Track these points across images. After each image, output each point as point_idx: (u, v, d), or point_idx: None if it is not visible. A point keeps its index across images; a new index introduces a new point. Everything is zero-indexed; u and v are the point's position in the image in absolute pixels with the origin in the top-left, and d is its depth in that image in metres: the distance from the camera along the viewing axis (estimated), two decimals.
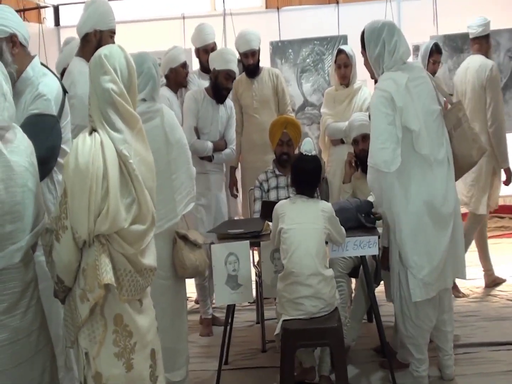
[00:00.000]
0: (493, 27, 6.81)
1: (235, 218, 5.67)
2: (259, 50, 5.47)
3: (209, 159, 5.02)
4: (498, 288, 5.58)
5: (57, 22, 7.77)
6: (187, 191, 3.54)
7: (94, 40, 3.72)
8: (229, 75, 4.97)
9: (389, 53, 3.72)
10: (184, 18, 6.95)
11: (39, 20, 7.80)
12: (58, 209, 2.43)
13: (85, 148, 2.42)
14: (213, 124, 5.05)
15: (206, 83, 5.28)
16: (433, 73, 5.66)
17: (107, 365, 2.48)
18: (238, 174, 5.67)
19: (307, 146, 3.80)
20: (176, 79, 5.29)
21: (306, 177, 3.69)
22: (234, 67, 5.01)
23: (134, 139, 2.53)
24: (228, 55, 5.01)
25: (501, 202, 7.59)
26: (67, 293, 2.52)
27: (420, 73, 3.86)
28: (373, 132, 3.73)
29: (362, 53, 3.88)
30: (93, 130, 2.50)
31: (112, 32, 3.80)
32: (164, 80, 5.23)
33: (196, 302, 5.54)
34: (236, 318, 5.14)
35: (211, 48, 5.42)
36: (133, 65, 2.61)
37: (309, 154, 3.76)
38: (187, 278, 3.53)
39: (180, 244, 3.39)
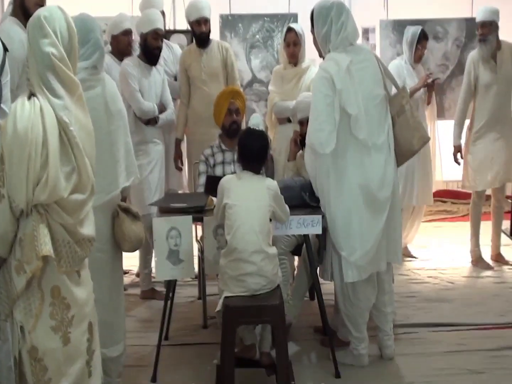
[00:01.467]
0: (441, 15, 6.93)
1: (179, 192, 5.61)
2: (209, 21, 5.39)
3: (155, 122, 4.99)
4: (439, 270, 5.68)
5: None
6: (127, 164, 3.42)
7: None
8: (157, 34, 4.94)
9: (336, 33, 3.71)
10: None
11: None
12: None
13: (24, 114, 2.32)
14: (151, 88, 5.01)
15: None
16: (419, 59, 5.69)
17: (43, 339, 2.42)
18: (183, 146, 5.59)
19: (255, 120, 3.75)
20: (118, 46, 5.20)
21: (253, 152, 3.63)
22: (160, 25, 4.97)
23: (74, 105, 2.44)
24: (151, 15, 4.97)
25: (443, 186, 7.75)
26: (1, 264, 2.42)
27: (367, 55, 3.84)
28: (312, 112, 3.72)
29: (311, 31, 3.85)
30: (31, 94, 2.39)
31: None
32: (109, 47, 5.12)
33: (137, 275, 5.47)
34: (178, 293, 5.09)
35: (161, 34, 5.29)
36: (74, 28, 2.52)
37: (257, 129, 3.70)
38: (131, 251, 3.42)
39: (122, 217, 3.30)
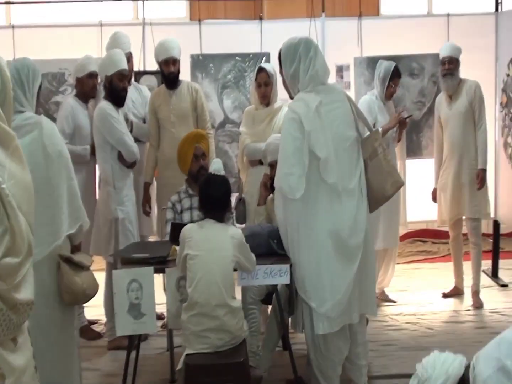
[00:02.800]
0: (417, 51, 6.88)
1: (148, 239, 5.45)
2: (179, 61, 5.29)
3: (134, 164, 4.93)
4: (418, 316, 5.50)
5: None
6: (71, 210, 3.25)
7: None
8: (122, 75, 4.82)
9: (304, 70, 3.60)
10: (102, 25, 6.66)
11: None
12: None
13: None
14: (127, 128, 4.94)
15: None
16: (391, 96, 5.61)
17: None
18: (152, 190, 5.44)
19: (216, 165, 3.62)
20: (83, 89, 5.10)
21: (215, 199, 3.49)
22: (125, 65, 4.85)
23: (8, 159, 2.26)
24: (115, 55, 4.85)
25: (423, 226, 7.63)
26: None
27: (338, 96, 3.72)
28: (281, 155, 3.60)
29: (280, 72, 3.75)
30: None
31: None
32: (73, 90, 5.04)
33: (105, 325, 5.26)
34: (147, 344, 4.94)
35: (127, 58, 5.18)
36: (7, 75, 2.35)
37: (218, 174, 3.57)
38: (73, 304, 3.25)
39: (64, 268, 3.13)
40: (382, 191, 3.76)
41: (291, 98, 3.80)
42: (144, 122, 5.46)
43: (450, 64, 5.54)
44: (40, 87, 3.37)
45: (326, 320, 3.55)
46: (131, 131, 5.16)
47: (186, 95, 5.32)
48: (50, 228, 3.13)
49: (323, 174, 3.53)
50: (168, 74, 5.25)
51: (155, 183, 5.47)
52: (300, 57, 3.59)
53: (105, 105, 4.80)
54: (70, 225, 3.25)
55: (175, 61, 5.23)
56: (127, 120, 5.16)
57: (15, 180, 2.25)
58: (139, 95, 5.54)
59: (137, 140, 5.23)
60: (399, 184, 3.86)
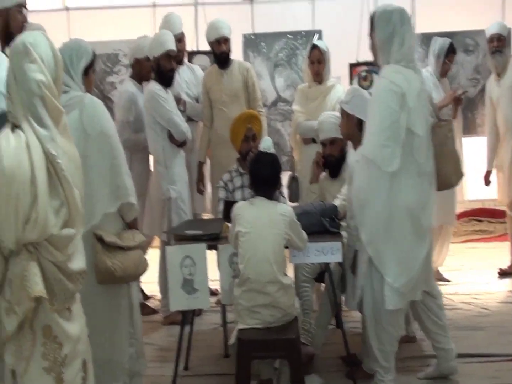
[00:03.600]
0: (472, 27, 6.72)
1: (202, 217, 5.49)
2: (229, 40, 5.28)
3: (185, 143, 4.96)
4: (473, 295, 5.42)
5: None
6: (110, 189, 3.24)
7: (0, 19, 3.36)
8: (169, 55, 4.83)
9: (399, 44, 3.49)
10: (155, 6, 6.72)
11: None
12: None
13: (9, 149, 2.23)
14: (176, 109, 4.94)
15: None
16: (446, 73, 5.55)
17: (36, 381, 2.30)
18: (206, 169, 5.49)
19: (266, 143, 3.63)
20: (140, 71, 5.14)
21: (265, 177, 3.49)
22: (172, 46, 4.85)
23: (60, 135, 2.34)
24: (161, 36, 4.86)
25: (479, 205, 7.50)
26: None
27: (423, 78, 3.70)
28: (374, 125, 3.50)
29: (370, 35, 3.66)
30: (14, 126, 2.29)
31: (20, 6, 3.41)
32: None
33: (160, 301, 5.36)
34: (202, 320, 5.02)
35: (179, 38, 5.23)
36: (59, 55, 2.43)
37: (267, 152, 3.57)
38: (102, 283, 3.22)
39: (96, 247, 3.14)
40: (448, 180, 3.75)
41: (375, 64, 3.73)
42: (198, 101, 5.48)
43: (499, 42, 5.53)
44: (91, 65, 3.35)
45: (397, 295, 3.53)
46: (184, 110, 5.21)
47: (237, 75, 5.32)
48: (85, 206, 3.14)
49: (416, 153, 3.49)
50: (220, 53, 5.26)
51: (208, 162, 5.50)
52: (394, 27, 3.47)
53: (153, 86, 4.84)
54: (108, 204, 3.24)
55: (226, 40, 5.23)
56: (179, 100, 5.20)
57: (68, 156, 2.33)
58: (192, 74, 5.56)
59: (190, 119, 5.29)
60: (462, 175, 3.87)
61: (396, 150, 3.43)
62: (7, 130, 2.28)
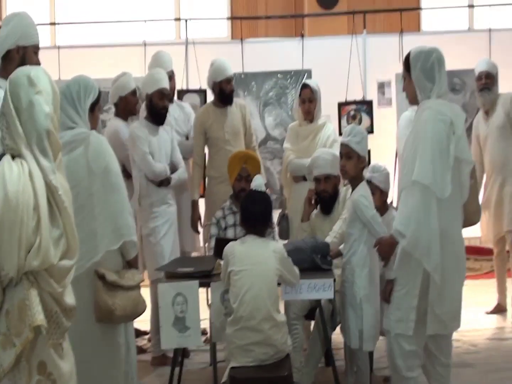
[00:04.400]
0: (459, 67, 6.84)
1: (192, 254, 5.48)
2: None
3: (168, 182, 4.86)
4: (461, 332, 5.41)
5: None
6: (114, 226, 3.23)
7: (17, 57, 3.47)
8: (163, 94, 4.85)
9: (439, 79, 3.55)
10: (145, 45, 6.79)
11: None
12: None
13: (13, 176, 2.23)
14: (161, 148, 4.91)
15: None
16: None
17: None
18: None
19: (257, 181, 3.66)
20: (126, 107, 5.16)
21: (256, 215, 3.52)
22: (165, 84, 4.89)
23: (56, 169, 2.35)
24: (156, 74, 4.90)
25: (466, 243, 7.50)
26: None
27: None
28: (426, 153, 3.46)
29: (404, 75, 3.68)
30: (13, 156, 2.29)
31: (36, 48, 3.54)
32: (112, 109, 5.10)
33: (149, 340, 5.31)
34: (190, 359, 4.96)
35: (169, 76, 5.25)
36: (57, 90, 2.44)
37: (258, 190, 3.60)
38: (100, 321, 3.19)
39: (97, 285, 3.13)
40: (472, 217, 3.77)
41: (412, 103, 3.75)
42: (187, 138, 5.52)
43: (487, 79, 5.59)
44: (97, 102, 3.37)
45: (437, 322, 3.53)
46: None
47: (237, 113, 5.39)
48: (89, 243, 3.13)
49: (465, 180, 3.54)
50: (229, 92, 5.31)
51: (201, 199, 5.49)
52: (433, 64, 3.54)
53: (135, 124, 4.89)
54: (112, 241, 3.23)
55: (231, 79, 5.33)
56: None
57: (64, 190, 2.34)
58: (182, 112, 5.59)
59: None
60: (480, 213, 3.92)
61: (448, 177, 3.45)
62: (8, 158, 2.28)
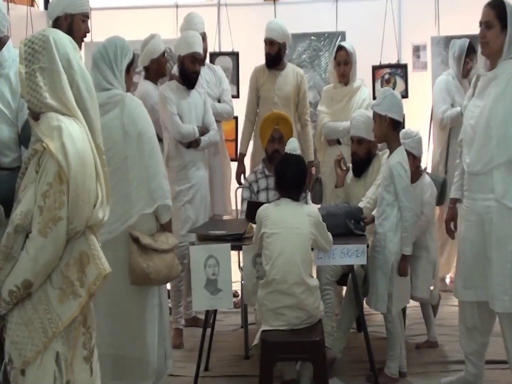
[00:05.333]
0: None
1: (223, 218, 5.46)
2: (282, 45, 5.29)
3: (196, 144, 4.80)
4: None
5: (46, 6, 7.54)
6: (148, 190, 3.24)
7: (65, 24, 3.53)
8: (195, 58, 4.78)
9: None
10: (177, 6, 6.71)
11: (29, 3, 7.56)
12: (44, 199, 2.18)
13: (77, 133, 2.25)
14: (191, 110, 4.85)
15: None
16: (468, 73, 5.45)
17: (81, 371, 2.30)
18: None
19: (292, 145, 3.61)
20: (158, 69, 5.09)
21: (291, 179, 3.48)
22: (199, 48, 4.83)
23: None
24: (190, 37, 4.82)
25: None
26: (18, 302, 2.26)
27: None
28: None
29: (492, 23, 3.33)
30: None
31: (84, 16, 3.62)
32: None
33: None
34: (221, 322, 4.98)
35: (201, 38, 5.21)
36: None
37: (293, 153, 3.56)
38: (136, 284, 3.22)
39: (132, 248, 3.14)
40: None
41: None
42: (219, 101, 5.48)
43: None
44: (131, 63, 3.34)
45: None
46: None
47: (291, 78, 5.31)
48: (123, 206, 3.15)
49: None
50: (265, 53, 5.30)
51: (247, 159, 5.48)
52: None
53: (165, 86, 4.84)
54: (146, 205, 3.23)
55: (271, 42, 5.24)
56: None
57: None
58: (213, 75, 5.53)
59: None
60: None
61: None
62: (67, 118, 2.27)
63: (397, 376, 3.89)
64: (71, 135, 2.22)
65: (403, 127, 6.17)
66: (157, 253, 3.20)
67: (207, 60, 5.66)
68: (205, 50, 5.40)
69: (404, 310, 4.19)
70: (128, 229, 3.17)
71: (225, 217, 5.65)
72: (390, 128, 3.87)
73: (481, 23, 3.41)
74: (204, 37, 5.32)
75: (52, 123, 2.23)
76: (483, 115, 3.39)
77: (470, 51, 5.37)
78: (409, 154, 4.08)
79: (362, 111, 4.54)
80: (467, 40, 5.41)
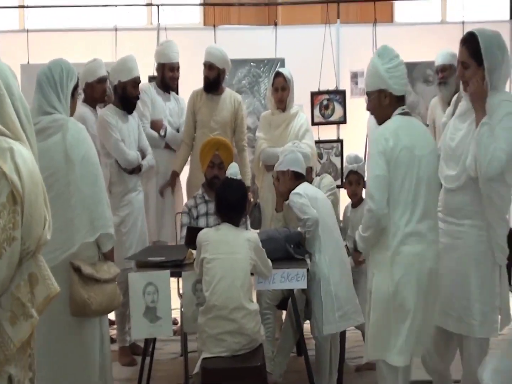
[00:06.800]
0: (432, 58, 6.80)
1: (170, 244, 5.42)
2: (222, 71, 5.34)
3: (139, 170, 4.83)
4: None
5: None
6: (90, 218, 3.17)
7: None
8: (136, 82, 4.82)
9: (506, 68, 3.26)
10: (116, 30, 6.66)
11: None
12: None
13: (27, 154, 2.17)
14: (130, 135, 4.86)
15: (159, 99, 5.35)
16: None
17: None
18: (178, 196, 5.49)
19: (233, 169, 3.61)
20: (92, 94, 5.07)
21: (231, 204, 3.47)
22: (138, 73, 4.86)
23: None
24: (130, 62, 4.83)
25: None
26: None
27: None
28: None
29: (468, 64, 3.27)
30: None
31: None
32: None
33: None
34: (160, 350, 4.89)
35: (176, 68, 5.37)
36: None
37: (234, 178, 3.56)
38: (75, 315, 3.14)
39: (72, 278, 3.06)
40: None
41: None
42: (178, 131, 5.48)
43: (443, 72, 5.49)
44: (76, 88, 3.29)
45: None
46: (164, 136, 5.27)
47: (229, 104, 5.35)
48: (65, 234, 3.08)
49: None
50: (204, 77, 5.34)
51: (184, 189, 5.49)
52: (503, 52, 3.23)
53: (106, 111, 4.81)
54: (88, 233, 3.18)
55: (210, 66, 5.30)
56: (161, 124, 5.28)
57: None
58: (177, 105, 5.56)
59: (168, 147, 5.35)
60: None
61: None
62: (12, 141, 2.22)
63: None
64: (22, 156, 2.15)
65: (341, 152, 6.32)
66: (99, 284, 3.13)
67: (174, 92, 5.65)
68: (176, 79, 5.46)
69: (343, 332, 4.22)
70: (69, 257, 3.09)
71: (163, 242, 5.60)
72: (293, 180, 4.07)
73: (458, 62, 3.41)
74: (178, 66, 5.42)
75: (2, 145, 2.18)
76: (465, 142, 3.29)
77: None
78: (361, 178, 4.24)
79: (289, 146, 4.44)
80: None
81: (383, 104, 3.28)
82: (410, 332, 3.11)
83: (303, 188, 4.02)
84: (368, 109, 3.45)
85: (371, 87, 3.33)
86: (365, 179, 4.26)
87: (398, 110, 3.26)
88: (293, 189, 4.02)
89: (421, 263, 3.12)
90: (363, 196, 4.28)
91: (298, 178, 4.09)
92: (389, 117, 3.27)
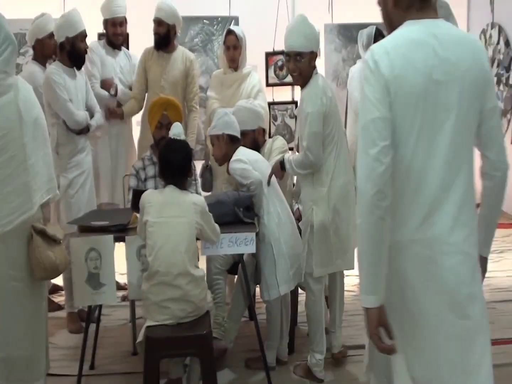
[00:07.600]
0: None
1: (108, 208, 5.26)
2: (172, 27, 5.16)
3: (87, 130, 4.69)
4: None
5: None
6: (46, 179, 3.03)
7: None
8: (84, 36, 4.66)
9: None
10: None
11: None
12: None
13: None
14: (78, 93, 4.68)
15: (109, 57, 5.21)
16: None
17: None
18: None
19: (176, 130, 3.46)
20: (43, 51, 4.89)
21: (175, 166, 3.32)
22: (84, 26, 4.67)
23: None
24: (75, 16, 4.62)
25: None
26: None
27: None
28: None
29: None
30: None
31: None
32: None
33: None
34: (109, 316, 4.80)
35: (119, 23, 5.17)
36: None
37: (178, 138, 3.41)
38: (45, 279, 3.07)
39: (37, 241, 2.93)
40: None
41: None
42: (130, 89, 5.33)
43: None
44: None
45: None
46: (115, 95, 5.14)
47: (180, 63, 5.19)
48: (23, 196, 2.93)
49: None
50: (154, 33, 5.18)
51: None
52: None
53: (52, 69, 4.60)
54: (45, 194, 3.05)
55: (159, 22, 5.14)
56: (111, 83, 5.14)
57: None
58: (128, 62, 5.39)
59: (120, 105, 5.21)
60: None
61: None
62: None
63: (274, 365, 3.91)
64: None
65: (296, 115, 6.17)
66: (59, 244, 3.05)
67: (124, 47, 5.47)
68: (124, 35, 5.32)
69: (296, 296, 4.15)
70: (27, 220, 2.94)
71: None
72: (228, 144, 3.94)
73: None
74: (124, 21, 5.24)
75: None
76: None
77: (378, 36, 5.34)
78: None
79: (240, 105, 4.38)
80: (373, 27, 5.39)
81: (312, 65, 3.66)
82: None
83: (242, 153, 3.91)
84: (294, 71, 3.70)
85: (306, 48, 3.65)
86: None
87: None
88: (229, 154, 3.91)
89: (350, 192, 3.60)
90: None
91: (234, 142, 3.96)
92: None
